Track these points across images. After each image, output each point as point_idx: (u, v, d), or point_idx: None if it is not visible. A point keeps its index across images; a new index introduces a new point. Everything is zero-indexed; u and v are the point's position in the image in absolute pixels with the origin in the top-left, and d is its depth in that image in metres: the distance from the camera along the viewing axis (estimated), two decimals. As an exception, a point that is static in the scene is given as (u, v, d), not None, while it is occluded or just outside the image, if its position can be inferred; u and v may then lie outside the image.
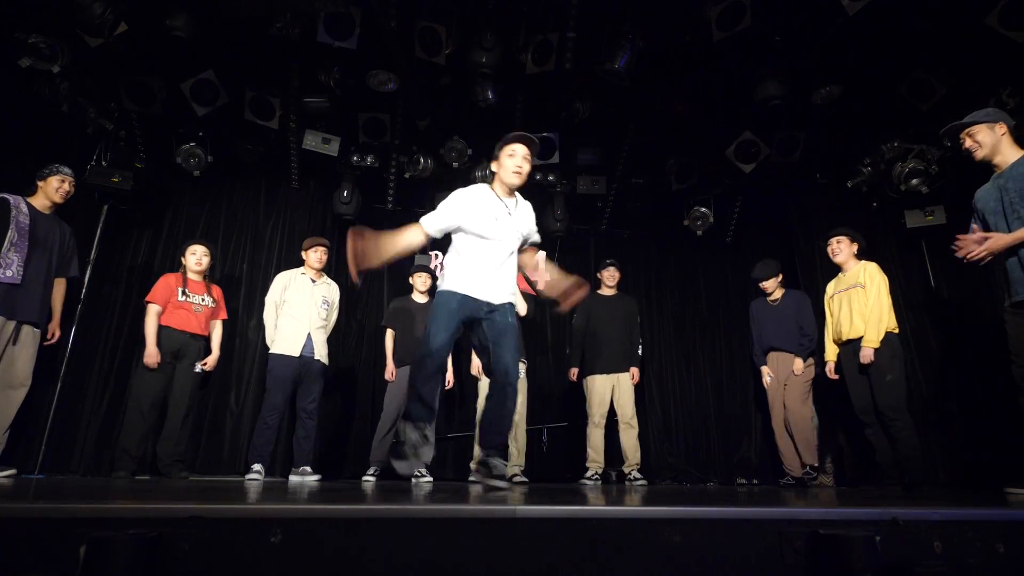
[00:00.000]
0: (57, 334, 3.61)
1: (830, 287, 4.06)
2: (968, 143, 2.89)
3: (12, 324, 3.30)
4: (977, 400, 4.23)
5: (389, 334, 4.54)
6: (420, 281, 4.64)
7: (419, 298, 4.59)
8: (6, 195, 3.38)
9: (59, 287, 3.61)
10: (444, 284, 2.69)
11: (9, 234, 3.27)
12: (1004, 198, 2.76)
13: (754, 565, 1.17)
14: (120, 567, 0.91)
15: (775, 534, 1.19)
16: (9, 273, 3.24)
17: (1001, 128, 2.84)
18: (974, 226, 2.91)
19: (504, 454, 2.71)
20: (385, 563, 1.07)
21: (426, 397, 2.58)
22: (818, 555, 1.16)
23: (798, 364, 4.32)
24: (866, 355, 3.59)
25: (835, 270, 4.17)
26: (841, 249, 3.92)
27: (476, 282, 2.63)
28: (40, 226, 3.44)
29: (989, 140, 2.84)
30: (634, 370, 4.64)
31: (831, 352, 3.98)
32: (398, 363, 4.44)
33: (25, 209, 3.39)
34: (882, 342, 3.60)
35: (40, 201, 3.50)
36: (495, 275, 2.67)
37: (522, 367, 4.58)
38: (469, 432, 4.70)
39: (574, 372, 4.77)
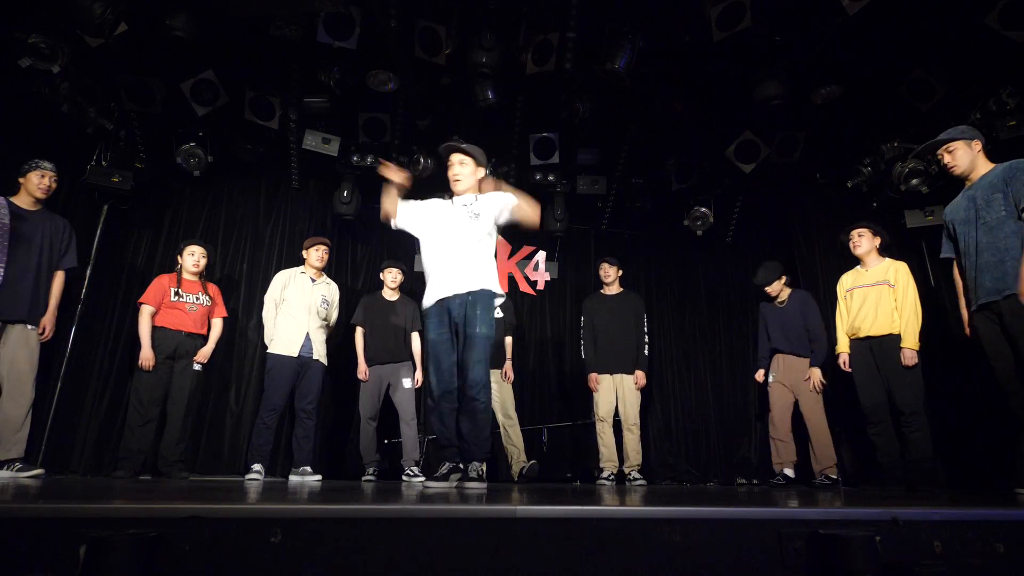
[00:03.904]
0: (49, 329, 3.45)
1: (847, 279, 4.01)
2: (947, 159, 2.98)
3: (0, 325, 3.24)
4: (978, 400, 4.23)
5: (359, 332, 4.46)
6: (391, 277, 4.55)
7: (389, 295, 4.54)
8: None
9: (56, 279, 3.51)
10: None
11: None
12: (974, 206, 2.87)
13: (754, 565, 1.17)
14: (120, 567, 0.91)
15: (775, 534, 1.19)
16: None
17: (977, 145, 2.94)
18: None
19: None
20: (385, 563, 1.07)
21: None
22: (818, 555, 1.16)
23: (816, 374, 4.19)
24: (910, 357, 3.56)
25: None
26: (863, 243, 3.88)
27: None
28: (25, 223, 3.37)
29: (967, 157, 2.93)
30: (639, 373, 4.57)
31: (843, 344, 3.92)
32: (369, 362, 4.39)
33: (5, 209, 3.32)
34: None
35: (23, 198, 3.43)
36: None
37: (495, 373, 4.54)
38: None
39: (593, 378, 4.63)
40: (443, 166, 3.03)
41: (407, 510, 1.17)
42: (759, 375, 4.54)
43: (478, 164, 2.94)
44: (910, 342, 3.59)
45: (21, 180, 3.44)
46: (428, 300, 2.87)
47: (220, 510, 1.07)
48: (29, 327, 3.34)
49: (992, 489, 3.53)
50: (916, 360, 3.57)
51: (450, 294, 2.79)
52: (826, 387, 4.22)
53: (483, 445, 2.71)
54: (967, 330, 3.01)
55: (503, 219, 2.91)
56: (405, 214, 2.97)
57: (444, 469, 2.68)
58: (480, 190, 2.97)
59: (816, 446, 4.17)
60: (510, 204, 2.87)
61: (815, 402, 4.21)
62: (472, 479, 2.63)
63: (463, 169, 2.90)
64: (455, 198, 2.96)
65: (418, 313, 4.51)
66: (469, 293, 2.76)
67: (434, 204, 3.01)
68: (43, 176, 3.45)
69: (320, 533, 1.07)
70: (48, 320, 3.44)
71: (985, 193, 2.83)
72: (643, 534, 1.17)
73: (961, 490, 3.76)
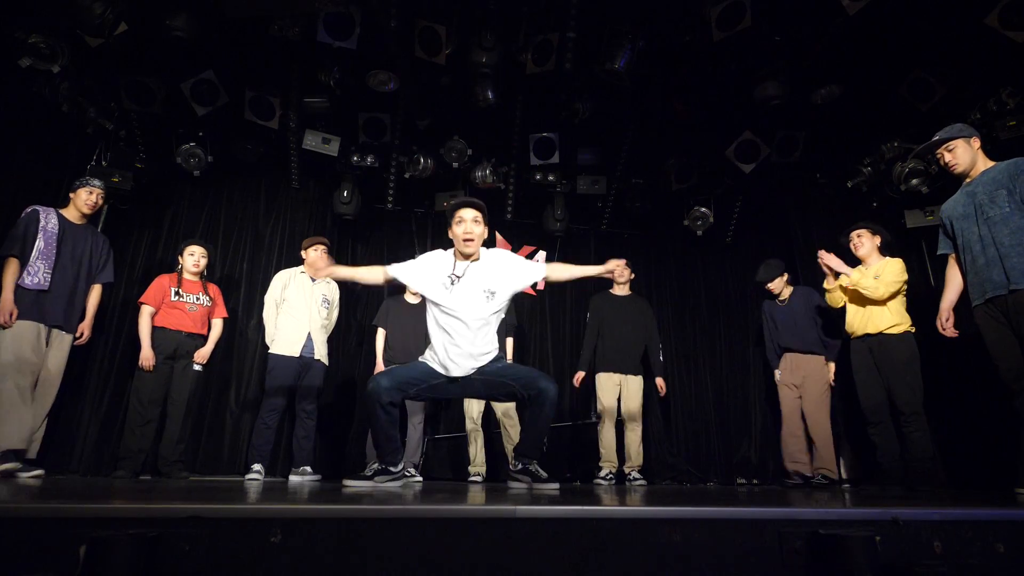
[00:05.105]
0: (87, 334, 3.66)
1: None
2: (948, 158, 2.97)
3: (44, 328, 3.42)
4: (978, 399, 4.23)
5: (380, 333, 4.49)
6: None
7: (411, 299, 4.57)
8: (37, 207, 3.52)
9: (94, 292, 3.72)
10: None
11: (37, 243, 3.41)
12: (974, 202, 2.88)
13: (754, 565, 1.17)
14: (120, 567, 0.91)
15: (775, 534, 1.19)
16: (36, 280, 3.37)
17: (976, 142, 2.94)
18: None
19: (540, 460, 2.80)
20: (385, 563, 1.07)
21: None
22: (818, 555, 1.16)
23: (831, 369, 4.19)
24: (835, 259, 3.77)
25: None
26: (863, 243, 3.87)
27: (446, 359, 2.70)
28: (70, 236, 3.58)
29: (967, 155, 2.92)
30: (659, 381, 4.61)
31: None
32: (387, 363, 4.41)
33: (55, 220, 3.53)
34: (901, 341, 3.60)
35: (71, 212, 3.65)
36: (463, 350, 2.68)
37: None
38: (461, 432, 4.71)
39: (579, 376, 4.64)
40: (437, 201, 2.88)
41: (407, 510, 1.17)
42: (777, 376, 4.51)
43: (487, 221, 2.76)
44: (851, 276, 3.70)
45: (71, 195, 3.67)
46: (430, 362, 2.75)
47: (220, 510, 1.07)
48: (64, 333, 3.53)
49: (992, 489, 3.52)
50: (833, 262, 3.77)
51: (456, 375, 2.69)
52: (833, 386, 4.22)
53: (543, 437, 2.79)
54: (941, 324, 3.05)
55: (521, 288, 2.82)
56: (403, 278, 2.77)
57: (414, 476, 2.69)
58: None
59: (817, 445, 4.16)
60: (536, 276, 2.79)
61: (819, 401, 4.19)
62: (543, 480, 2.65)
63: (477, 228, 2.69)
64: (460, 263, 2.74)
65: None
66: (477, 369, 2.70)
67: (435, 271, 2.73)
68: (91, 192, 3.66)
69: (320, 533, 1.07)
70: (86, 326, 3.67)
71: (988, 189, 2.82)
72: (643, 534, 1.17)
73: (961, 490, 3.75)
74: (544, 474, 2.68)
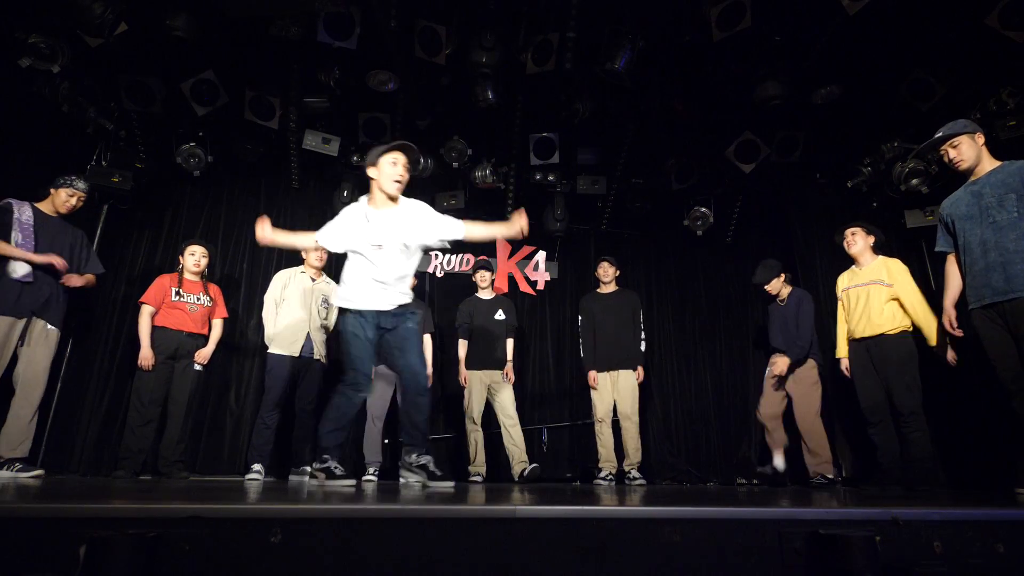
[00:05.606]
0: (77, 281, 3.54)
1: (844, 279, 3.98)
2: (952, 154, 2.91)
3: (22, 322, 3.33)
4: (978, 400, 4.23)
5: None
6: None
7: None
8: (10, 199, 3.45)
9: (88, 276, 3.67)
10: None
11: (13, 235, 3.33)
12: (979, 203, 2.81)
13: (754, 565, 1.17)
14: (120, 567, 0.91)
15: (775, 534, 1.19)
16: (23, 272, 3.31)
17: (980, 138, 2.89)
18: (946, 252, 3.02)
19: (426, 449, 2.84)
20: (385, 563, 1.07)
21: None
22: (818, 555, 1.16)
23: (780, 363, 4.12)
24: (951, 357, 3.45)
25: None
26: (856, 241, 3.87)
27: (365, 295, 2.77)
28: (46, 229, 3.50)
29: (972, 151, 2.87)
30: (639, 369, 4.59)
31: (842, 349, 3.88)
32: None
33: (29, 212, 3.46)
34: (899, 341, 3.58)
35: (47, 207, 3.58)
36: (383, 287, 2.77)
37: (497, 373, 4.57)
38: (460, 432, 4.71)
39: (593, 376, 4.64)
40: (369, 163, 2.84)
41: (407, 510, 1.17)
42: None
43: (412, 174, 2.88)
44: (933, 341, 3.49)
45: (52, 191, 3.59)
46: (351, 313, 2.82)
47: (220, 510, 1.08)
48: (50, 327, 3.45)
49: (992, 489, 3.52)
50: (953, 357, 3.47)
51: (373, 309, 2.78)
52: (781, 379, 4.16)
53: (423, 424, 2.83)
54: (950, 323, 3.00)
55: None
56: (327, 243, 2.88)
57: (333, 465, 2.76)
58: None
59: (810, 446, 4.14)
60: (454, 234, 2.88)
61: (808, 403, 4.15)
62: (438, 477, 2.69)
63: (407, 174, 2.79)
64: (379, 206, 2.80)
65: (430, 316, 4.66)
66: (391, 312, 2.80)
67: (352, 218, 2.83)
68: (72, 195, 3.61)
69: (320, 533, 1.07)
70: (78, 280, 3.55)
71: (996, 191, 2.76)
72: (643, 534, 1.17)
73: (961, 490, 3.75)
74: (439, 472, 2.71)
